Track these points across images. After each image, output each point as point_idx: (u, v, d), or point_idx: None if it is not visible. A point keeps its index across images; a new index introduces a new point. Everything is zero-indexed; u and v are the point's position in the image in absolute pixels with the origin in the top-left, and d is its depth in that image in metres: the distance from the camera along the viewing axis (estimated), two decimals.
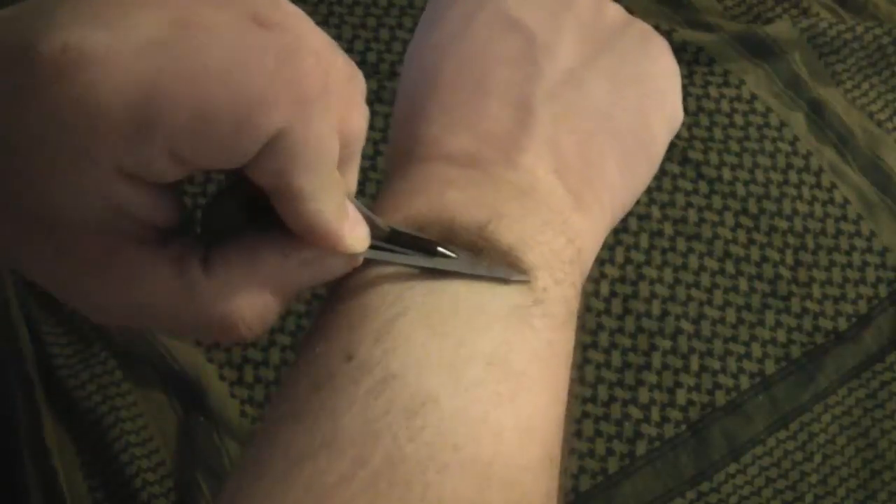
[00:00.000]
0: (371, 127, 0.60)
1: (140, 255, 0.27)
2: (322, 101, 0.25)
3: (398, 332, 0.28)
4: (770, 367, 0.53)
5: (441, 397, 0.27)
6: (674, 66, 0.38)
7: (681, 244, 0.55)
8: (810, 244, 0.55)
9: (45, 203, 0.25)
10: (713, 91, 0.57)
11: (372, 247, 0.29)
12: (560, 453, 0.30)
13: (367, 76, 0.57)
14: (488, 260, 0.30)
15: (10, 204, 0.26)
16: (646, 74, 0.36)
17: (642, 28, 0.38)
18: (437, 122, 0.34)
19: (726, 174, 0.56)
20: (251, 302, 0.27)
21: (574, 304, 0.32)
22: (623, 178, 0.35)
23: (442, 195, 0.31)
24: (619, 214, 0.36)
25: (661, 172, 0.56)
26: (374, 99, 0.56)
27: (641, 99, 0.36)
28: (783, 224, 0.55)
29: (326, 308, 0.30)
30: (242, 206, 0.27)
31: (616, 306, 0.53)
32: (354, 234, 0.28)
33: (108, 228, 0.26)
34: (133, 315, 0.28)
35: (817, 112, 0.58)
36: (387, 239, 0.30)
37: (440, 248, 0.30)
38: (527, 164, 0.33)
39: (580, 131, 0.34)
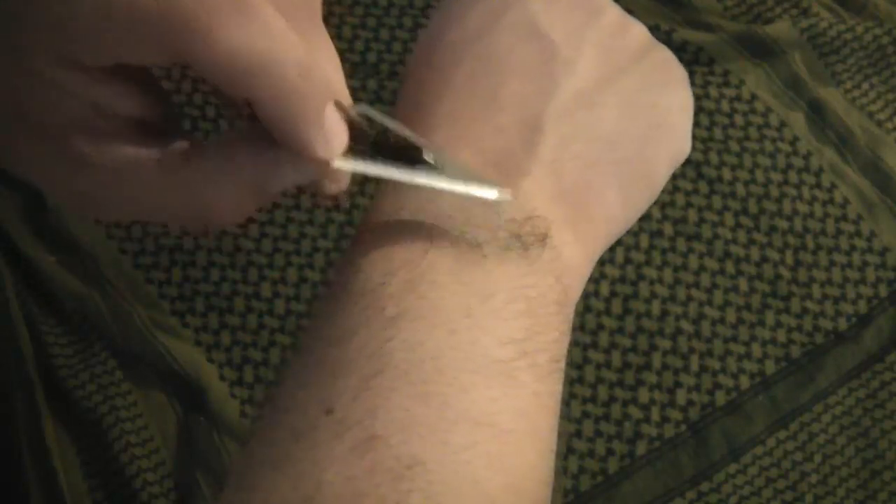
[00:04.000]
0: (372, 127, 0.59)
1: (125, 149, 0.28)
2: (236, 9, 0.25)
3: (377, 391, 0.27)
4: (770, 367, 0.53)
5: (428, 461, 0.26)
6: (689, 100, 0.37)
7: (681, 244, 0.55)
8: (810, 244, 0.55)
9: (27, 107, 0.27)
10: (713, 91, 0.57)
11: (354, 153, 0.29)
12: None
13: (367, 76, 0.57)
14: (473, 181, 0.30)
15: (4, 113, 0.27)
16: (660, 105, 0.35)
17: (664, 56, 0.36)
18: (442, 131, 0.33)
19: (726, 174, 0.56)
20: (227, 194, 0.29)
21: (559, 349, 0.31)
22: (622, 208, 0.34)
23: (430, 235, 0.30)
24: (611, 242, 0.35)
25: None
26: (374, 99, 0.56)
27: (652, 130, 0.35)
28: (783, 224, 0.55)
29: (303, 350, 0.29)
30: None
31: (616, 306, 0.53)
32: (328, 143, 0.28)
33: (93, 127, 0.27)
34: (125, 209, 0.30)
35: (817, 112, 0.58)
36: (372, 143, 0.30)
37: (426, 158, 0.30)
38: (526, 191, 0.32)
39: (585, 157, 0.33)
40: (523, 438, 0.28)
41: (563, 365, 0.31)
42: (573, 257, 0.32)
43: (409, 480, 0.26)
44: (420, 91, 0.34)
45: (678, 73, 0.37)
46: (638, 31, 0.36)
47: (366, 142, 0.30)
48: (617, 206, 0.34)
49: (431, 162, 0.30)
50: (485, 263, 0.30)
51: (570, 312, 0.32)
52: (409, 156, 0.30)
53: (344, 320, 0.29)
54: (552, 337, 0.30)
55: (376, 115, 0.30)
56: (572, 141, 0.33)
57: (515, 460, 0.28)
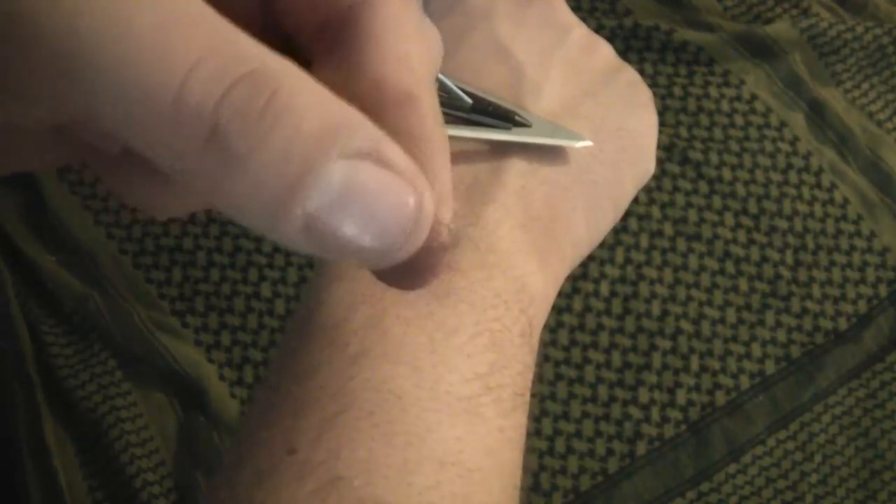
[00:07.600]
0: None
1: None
2: None
3: (341, 431, 0.26)
4: (770, 367, 0.53)
5: (392, 503, 0.25)
6: (654, 120, 0.36)
7: (681, 244, 0.54)
8: (810, 244, 0.55)
9: None
10: (713, 91, 0.57)
11: (451, 120, 0.31)
12: None
13: None
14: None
15: None
16: (627, 129, 0.35)
17: (630, 77, 0.36)
18: None
19: (726, 174, 0.56)
20: None
21: (524, 382, 0.30)
22: (588, 231, 0.34)
23: None
24: (576, 265, 0.35)
25: (661, 172, 0.56)
26: None
27: (619, 153, 0.35)
28: (783, 224, 0.55)
29: (267, 386, 0.29)
30: None
31: (616, 306, 0.53)
32: None
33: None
34: None
35: (817, 112, 0.58)
36: (470, 109, 0.31)
37: (517, 118, 0.32)
38: (492, 219, 0.31)
39: (553, 182, 0.33)
40: (489, 476, 0.28)
41: (527, 398, 0.30)
42: (537, 285, 0.31)
43: None
44: None
45: (644, 94, 0.36)
46: (605, 52, 0.36)
47: (463, 107, 0.32)
48: (583, 230, 0.34)
49: (524, 121, 0.32)
50: (448, 296, 0.29)
51: (534, 343, 0.31)
52: (503, 116, 0.32)
53: (307, 357, 0.28)
54: (516, 370, 0.30)
55: (475, 90, 0.32)
56: (540, 165, 0.33)
57: (480, 498, 0.27)
